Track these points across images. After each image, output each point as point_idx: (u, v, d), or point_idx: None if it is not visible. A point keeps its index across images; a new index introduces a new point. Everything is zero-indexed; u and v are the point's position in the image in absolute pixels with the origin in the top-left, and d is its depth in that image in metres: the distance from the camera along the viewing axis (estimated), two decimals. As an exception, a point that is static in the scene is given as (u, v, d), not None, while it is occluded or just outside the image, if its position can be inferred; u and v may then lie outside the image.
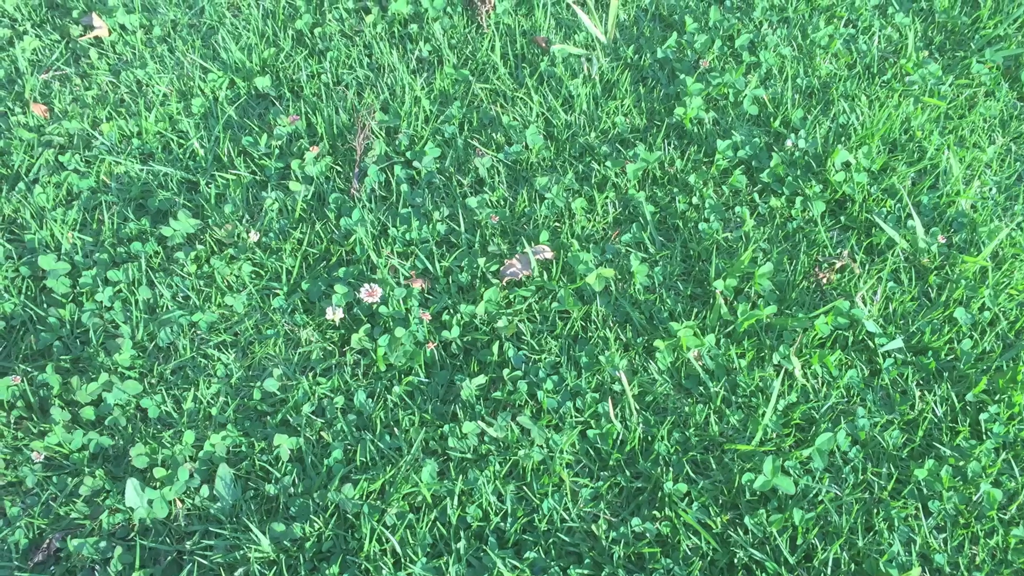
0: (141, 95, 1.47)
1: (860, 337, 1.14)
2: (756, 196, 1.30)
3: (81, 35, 1.58)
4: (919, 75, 1.46)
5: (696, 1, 1.62)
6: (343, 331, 1.17)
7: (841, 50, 1.51)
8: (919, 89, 1.44)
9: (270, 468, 1.05)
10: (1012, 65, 1.52)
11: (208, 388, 1.12)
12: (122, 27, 1.59)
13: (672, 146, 1.36)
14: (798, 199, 1.28)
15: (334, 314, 1.15)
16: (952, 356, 1.13)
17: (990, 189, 1.32)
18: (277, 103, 1.45)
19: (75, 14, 1.62)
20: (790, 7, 1.58)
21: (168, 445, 1.07)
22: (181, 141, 1.39)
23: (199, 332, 1.17)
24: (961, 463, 1.04)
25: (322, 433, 1.07)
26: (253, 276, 1.22)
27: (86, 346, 1.16)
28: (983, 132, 1.40)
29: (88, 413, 1.10)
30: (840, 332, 1.14)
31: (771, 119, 1.39)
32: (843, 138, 1.36)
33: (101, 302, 1.20)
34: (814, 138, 1.35)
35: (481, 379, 1.10)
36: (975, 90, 1.46)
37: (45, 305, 1.20)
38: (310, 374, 1.13)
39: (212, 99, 1.45)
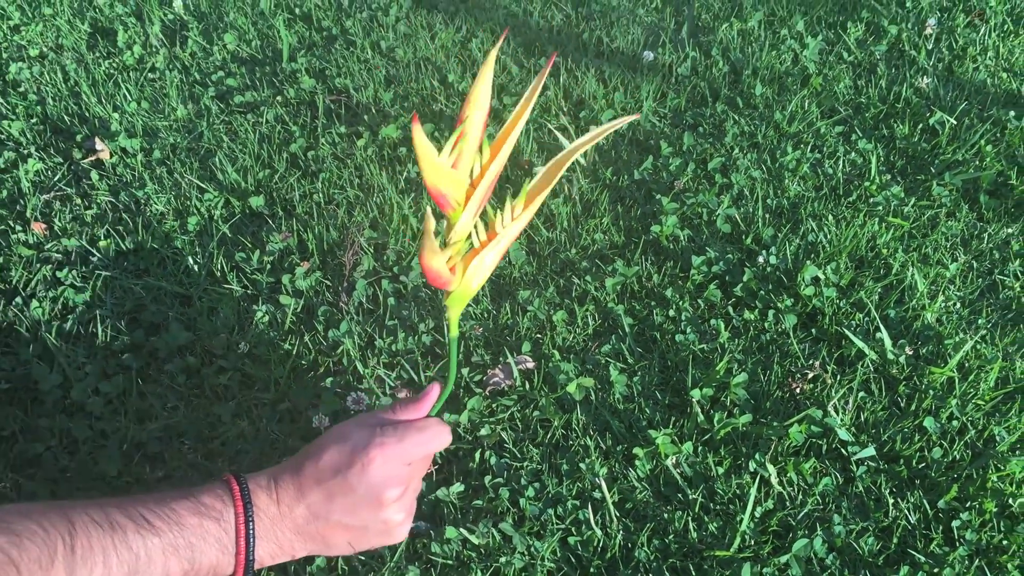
0: (139, 214, 1.53)
1: (833, 445, 1.17)
2: (731, 309, 1.35)
3: (83, 158, 1.65)
4: (883, 196, 1.54)
5: (670, 128, 1.71)
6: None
7: (808, 173, 1.59)
8: (883, 210, 1.52)
9: (253, 576, 1.05)
10: (971, 188, 1.60)
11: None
12: (123, 150, 1.67)
13: (649, 261, 1.42)
14: (771, 312, 1.33)
15: (320, 423, 1.18)
16: (923, 464, 1.16)
17: (954, 304, 1.38)
18: (270, 221, 1.51)
19: (78, 138, 1.70)
20: (759, 133, 1.68)
21: (152, 554, 1.07)
22: (176, 257, 1.44)
23: (187, 441, 1.19)
24: (936, 570, 1.05)
25: (306, 541, 1.08)
26: (242, 386, 1.25)
27: (75, 455, 1.18)
28: (946, 250, 1.47)
29: (73, 522, 1.10)
30: (814, 440, 1.17)
31: (743, 236, 1.46)
32: (812, 255, 1.42)
33: (91, 413, 1.22)
34: (784, 255, 1.41)
35: (460, 487, 1.12)
36: (936, 211, 1.54)
37: (36, 416, 1.22)
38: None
39: (207, 217, 1.51)
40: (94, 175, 1.60)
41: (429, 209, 0.68)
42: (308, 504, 0.80)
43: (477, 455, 1.16)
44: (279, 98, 1.80)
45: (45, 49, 1.96)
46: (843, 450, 1.17)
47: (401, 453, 0.82)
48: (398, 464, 0.82)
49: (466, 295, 0.77)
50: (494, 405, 1.22)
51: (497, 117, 1.72)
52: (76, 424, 1.20)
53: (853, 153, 1.65)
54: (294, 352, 1.29)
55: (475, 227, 0.74)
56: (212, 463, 1.16)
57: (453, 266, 0.72)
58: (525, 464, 1.15)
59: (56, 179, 1.60)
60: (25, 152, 1.66)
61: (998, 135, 1.70)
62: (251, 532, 0.77)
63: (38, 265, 1.43)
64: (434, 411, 0.85)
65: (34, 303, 1.35)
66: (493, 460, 1.15)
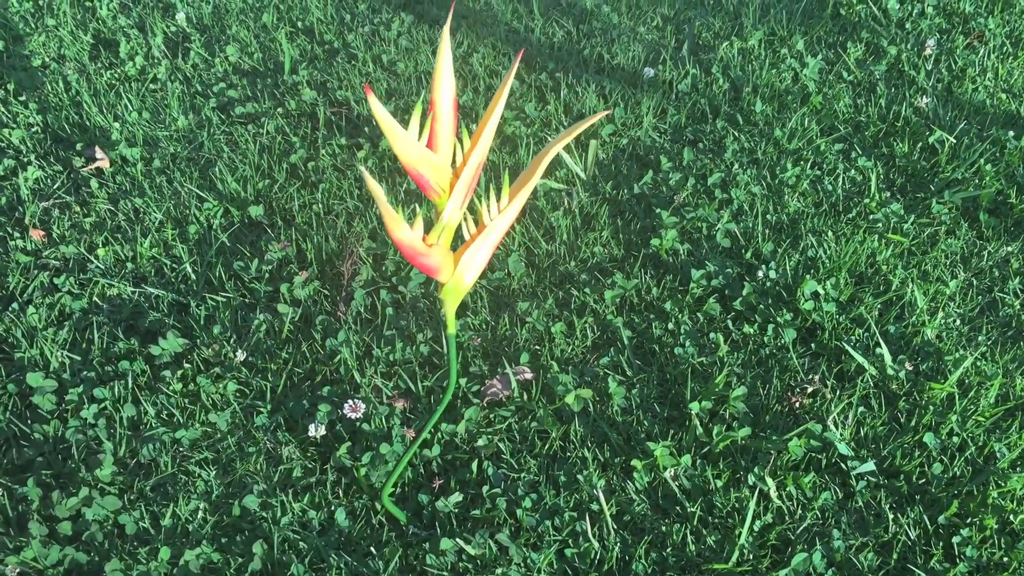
0: (138, 222, 1.53)
1: (833, 460, 1.17)
2: (730, 323, 1.34)
3: (83, 166, 1.65)
4: (882, 213, 1.53)
5: (671, 143, 1.71)
6: (324, 449, 1.19)
7: (808, 189, 1.59)
8: (883, 226, 1.52)
9: (246, 585, 1.04)
10: (970, 206, 1.60)
11: (187, 504, 1.12)
12: (123, 159, 1.67)
13: (648, 275, 1.42)
14: (770, 326, 1.33)
15: (316, 432, 1.17)
16: (923, 480, 1.15)
17: (954, 320, 1.37)
18: (269, 230, 1.51)
19: (78, 147, 1.70)
20: (759, 150, 1.68)
21: (144, 561, 1.06)
22: (174, 266, 1.44)
23: (181, 449, 1.18)
24: (937, 586, 1.04)
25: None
26: (238, 394, 1.25)
27: (68, 461, 1.17)
28: (945, 267, 1.46)
29: (66, 528, 1.09)
30: (813, 454, 1.17)
31: (743, 251, 1.45)
32: (812, 270, 1.42)
33: (86, 419, 1.21)
34: (784, 269, 1.41)
35: (458, 496, 1.11)
36: (936, 228, 1.54)
37: (30, 421, 1.22)
38: (290, 491, 1.13)
39: (206, 226, 1.51)
40: (93, 183, 1.60)
41: (364, 170, 0.65)
42: None
43: (474, 465, 1.15)
44: (280, 110, 1.80)
45: (47, 59, 1.97)
46: (843, 465, 1.16)
47: None
48: None
49: (460, 289, 0.76)
50: (492, 416, 1.21)
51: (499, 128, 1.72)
52: (70, 430, 1.19)
53: (853, 170, 1.65)
54: (291, 361, 1.28)
55: (464, 219, 0.73)
56: (206, 471, 1.15)
57: (432, 244, 0.71)
58: (522, 475, 1.14)
59: (55, 187, 1.60)
60: (25, 160, 1.66)
61: (997, 154, 1.70)
62: None
63: (36, 271, 1.42)
64: (436, 415, 0.85)
65: (31, 309, 1.34)
66: (490, 470, 1.14)
